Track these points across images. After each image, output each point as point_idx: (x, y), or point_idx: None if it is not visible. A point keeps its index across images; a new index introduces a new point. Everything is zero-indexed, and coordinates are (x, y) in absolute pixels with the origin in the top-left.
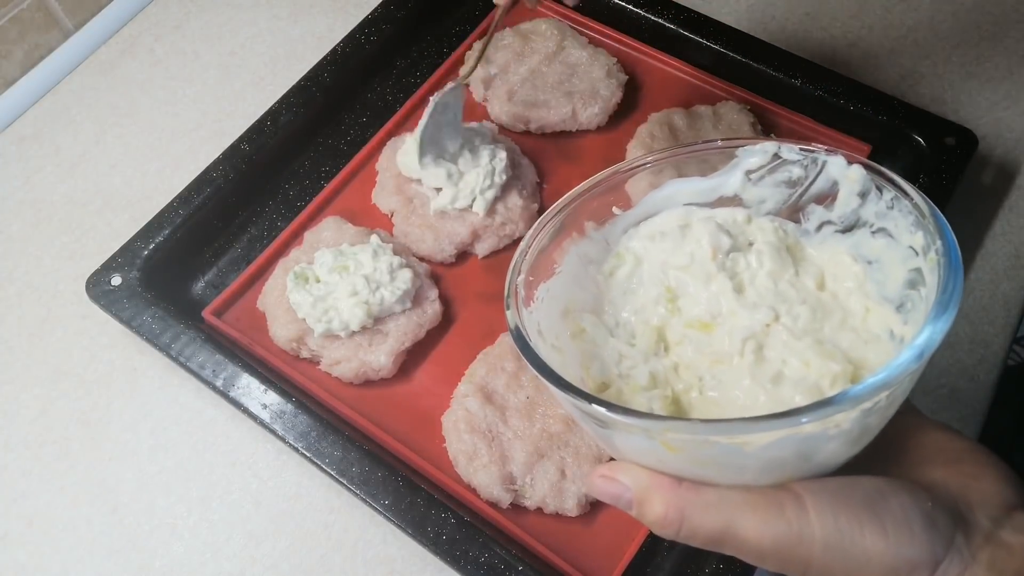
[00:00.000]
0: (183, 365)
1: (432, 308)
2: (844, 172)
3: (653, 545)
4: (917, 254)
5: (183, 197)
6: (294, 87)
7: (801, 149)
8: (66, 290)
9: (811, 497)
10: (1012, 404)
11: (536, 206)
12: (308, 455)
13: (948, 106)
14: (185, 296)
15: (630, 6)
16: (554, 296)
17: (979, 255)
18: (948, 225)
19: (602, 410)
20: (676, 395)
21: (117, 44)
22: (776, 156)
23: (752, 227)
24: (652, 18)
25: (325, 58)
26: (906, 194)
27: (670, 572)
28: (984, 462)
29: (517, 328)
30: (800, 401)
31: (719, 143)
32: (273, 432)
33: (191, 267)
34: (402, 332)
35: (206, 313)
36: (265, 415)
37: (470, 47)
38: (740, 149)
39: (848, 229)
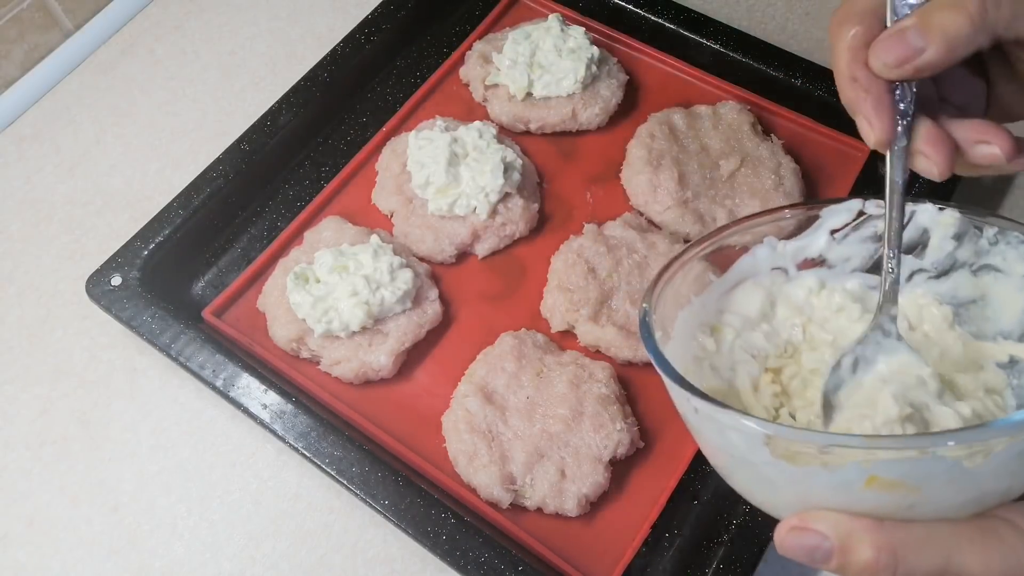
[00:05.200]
0: (183, 365)
1: (432, 308)
2: (936, 219)
3: (653, 545)
4: None
5: (183, 197)
6: (294, 87)
7: None
8: (66, 290)
9: (1021, 519)
10: None
11: (536, 206)
12: (308, 455)
13: None
14: (185, 296)
15: (630, 6)
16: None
17: None
18: None
19: (810, 435)
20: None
21: (117, 44)
22: (861, 213)
23: (821, 296)
24: (652, 18)
25: (325, 58)
26: (1014, 225)
27: (670, 572)
28: None
29: (664, 360)
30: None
31: (802, 208)
32: (273, 432)
33: (191, 267)
34: (402, 332)
35: (206, 313)
36: (265, 415)
37: (470, 47)
38: (823, 209)
39: (943, 273)
